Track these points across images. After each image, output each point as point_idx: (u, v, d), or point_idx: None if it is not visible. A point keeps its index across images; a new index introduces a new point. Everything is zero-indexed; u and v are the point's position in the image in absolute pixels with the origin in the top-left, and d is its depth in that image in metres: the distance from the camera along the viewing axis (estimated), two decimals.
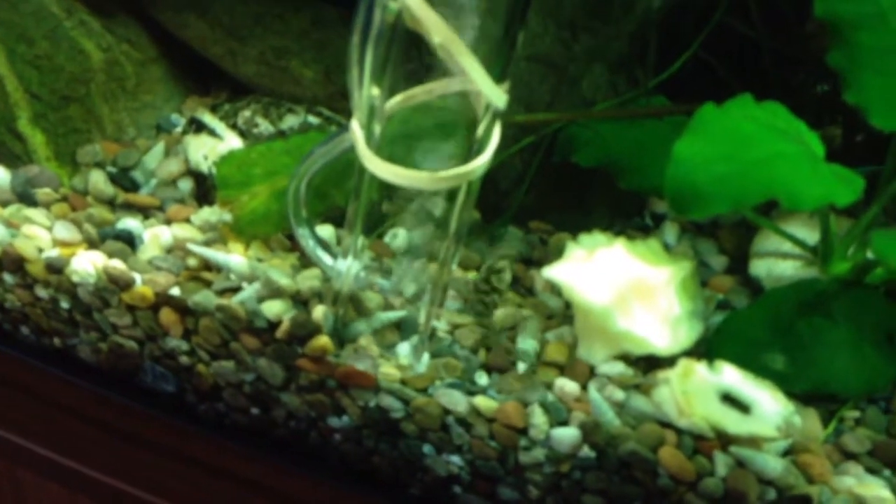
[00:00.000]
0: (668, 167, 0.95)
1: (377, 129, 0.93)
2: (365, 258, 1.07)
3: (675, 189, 0.95)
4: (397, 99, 0.91)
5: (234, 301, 1.05)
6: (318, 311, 1.04)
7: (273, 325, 1.03)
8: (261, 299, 1.05)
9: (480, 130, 0.92)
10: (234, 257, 1.10)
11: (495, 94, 0.88)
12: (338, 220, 1.15)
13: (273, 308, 1.04)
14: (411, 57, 0.87)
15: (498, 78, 0.88)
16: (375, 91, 0.91)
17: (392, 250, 1.14)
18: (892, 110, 1.05)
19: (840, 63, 1.07)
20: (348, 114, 0.93)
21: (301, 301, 1.06)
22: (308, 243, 1.06)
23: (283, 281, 1.05)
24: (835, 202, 0.96)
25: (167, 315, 1.07)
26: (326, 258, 1.06)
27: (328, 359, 1.02)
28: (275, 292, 1.05)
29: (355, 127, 0.93)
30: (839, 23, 1.06)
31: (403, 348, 1.05)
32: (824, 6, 1.07)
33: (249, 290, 1.06)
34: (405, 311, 1.06)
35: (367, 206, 0.98)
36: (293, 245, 1.14)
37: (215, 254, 1.11)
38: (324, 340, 1.02)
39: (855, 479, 0.96)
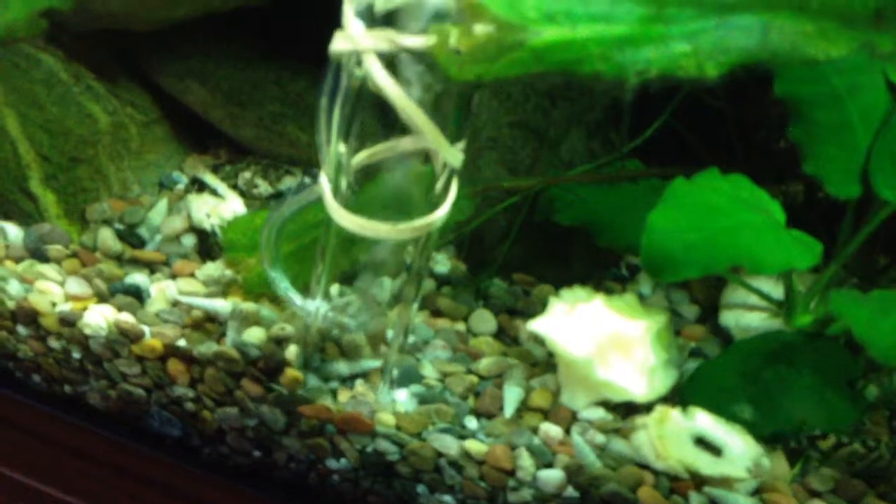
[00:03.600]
0: (643, 236, 0.98)
1: (344, 183, 0.96)
2: (337, 297, 1.11)
3: (650, 256, 0.99)
4: (362, 155, 0.95)
5: (226, 344, 1.09)
6: (291, 350, 1.08)
7: (253, 359, 1.07)
8: (240, 332, 1.09)
9: (439, 186, 0.95)
10: (219, 302, 1.13)
11: (451, 155, 0.92)
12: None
13: (254, 334, 1.09)
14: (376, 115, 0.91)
15: (454, 137, 0.91)
16: (342, 148, 0.94)
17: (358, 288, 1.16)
18: (846, 180, 1.09)
19: (799, 137, 1.12)
20: None
21: (284, 339, 1.09)
22: (280, 285, 1.08)
23: (247, 307, 1.10)
24: (795, 267, 1.01)
25: (174, 365, 1.10)
26: (297, 299, 1.08)
27: (328, 405, 1.05)
28: (246, 320, 1.09)
29: (324, 181, 0.97)
30: (797, 101, 1.11)
31: (382, 390, 1.08)
32: (783, 87, 1.12)
33: (231, 327, 1.10)
34: (380, 359, 1.10)
35: (336, 250, 1.01)
36: None
37: (202, 301, 1.14)
38: (293, 373, 1.05)
39: None
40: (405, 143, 0.93)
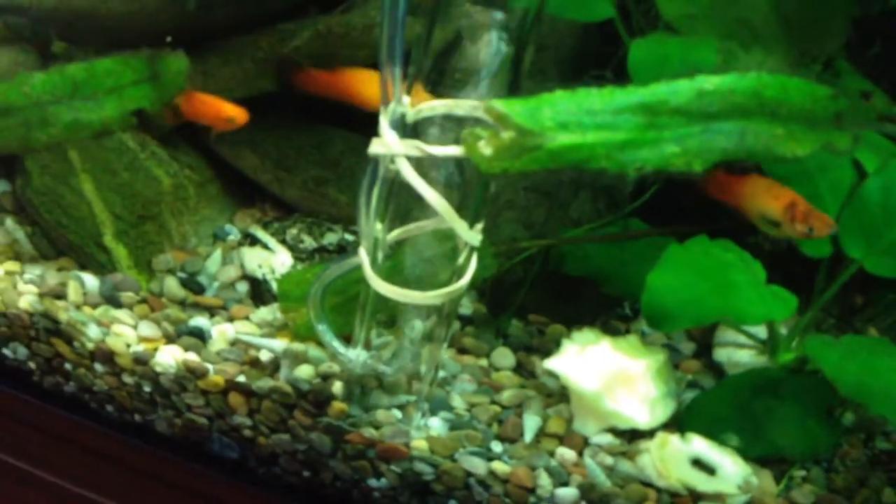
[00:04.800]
0: (644, 294, 1.08)
1: (380, 255, 1.07)
2: (375, 339, 1.20)
3: (650, 311, 1.09)
4: (396, 233, 1.07)
5: (280, 380, 1.19)
6: (337, 385, 1.17)
7: (304, 392, 1.16)
8: (292, 369, 1.19)
9: (461, 260, 1.06)
10: (276, 341, 1.24)
11: (470, 236, 1.03)
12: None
13: (304, 371, 1.19)
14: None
15: (472, 220, 1.03)
16: (378, 226, 1.06)
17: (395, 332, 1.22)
18: (819, 242, 1.18)
19: None
20: None
21: (330, 375, 1.19)
22: (325, 337, 1.18)
23: (297, 347, 1.20)
24: (774, 319, 1.11)
25: (234, 398, 1.19)
26: (340, 348, 1.17)
27: (370, 435, 1.14)
28: (296, 358, 1.20)
29: (363, 253, 1.07)
30: (775, 177, 1.18)
31: (416, 417, 1.17)
32: (766, 167, 1.20)
33: (284, 365, 1.20)
34: (415, 393, 1.19)
35: (376, 303, 1.11)
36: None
37: (259, 339, 1.25)
38: (339, 406, 1.15)
39: None
40: (431, 224, 1.05)
